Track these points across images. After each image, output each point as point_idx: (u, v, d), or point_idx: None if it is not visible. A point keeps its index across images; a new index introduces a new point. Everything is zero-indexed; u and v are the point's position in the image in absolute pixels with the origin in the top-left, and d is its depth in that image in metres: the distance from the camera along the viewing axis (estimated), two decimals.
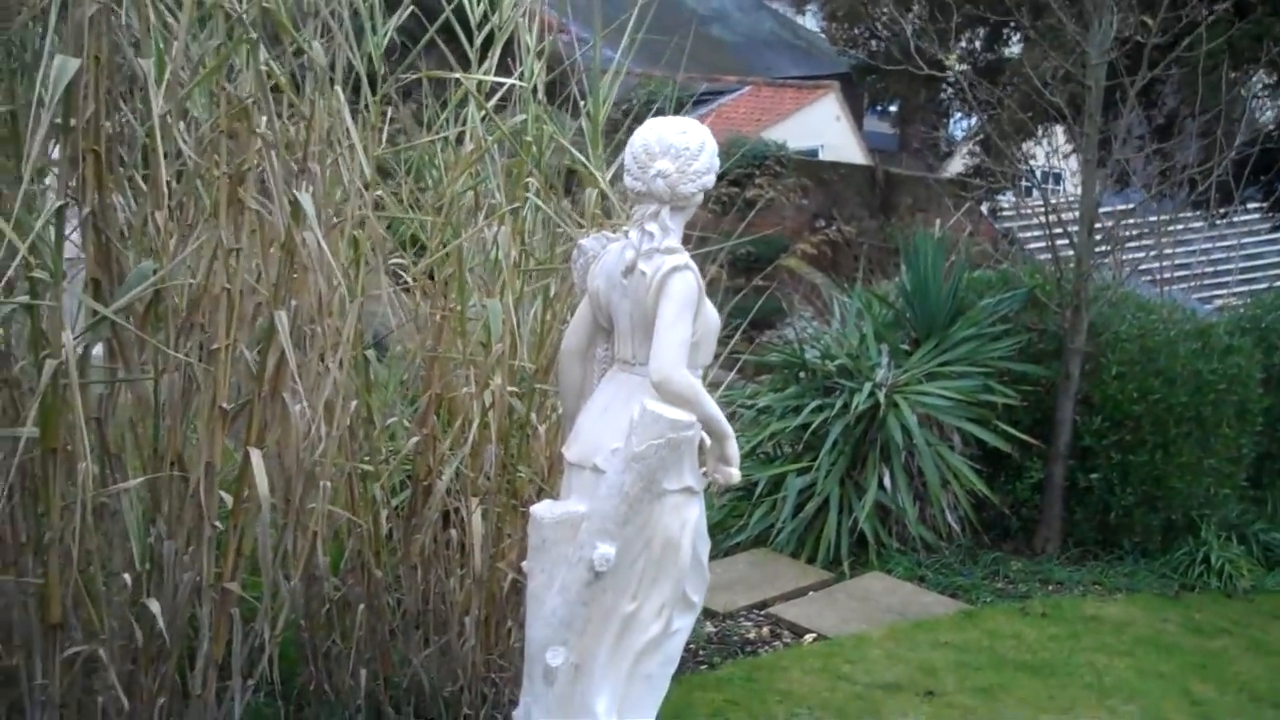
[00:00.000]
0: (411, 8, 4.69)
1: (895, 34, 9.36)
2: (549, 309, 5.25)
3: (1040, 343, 8.16)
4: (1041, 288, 8.21)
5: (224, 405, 4.15)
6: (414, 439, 5.10)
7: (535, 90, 5.04)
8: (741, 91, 24.81)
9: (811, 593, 7.15)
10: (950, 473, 7.82)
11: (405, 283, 5.26)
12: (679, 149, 4.31)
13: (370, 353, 5.10)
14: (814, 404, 7.82)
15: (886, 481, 7.71)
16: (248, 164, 4.08)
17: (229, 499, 4.41)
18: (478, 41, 5.14)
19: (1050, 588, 7.45)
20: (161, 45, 4.04)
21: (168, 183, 4.08)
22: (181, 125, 4.21)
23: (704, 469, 4.49)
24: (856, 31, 13.31)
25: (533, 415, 5.04)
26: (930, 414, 7.81)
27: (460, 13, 5.08)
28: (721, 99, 24.52)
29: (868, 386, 7.71)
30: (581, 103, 5.23)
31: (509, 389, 4.96)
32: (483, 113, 4.83)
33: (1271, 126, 7.83)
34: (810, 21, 35.60)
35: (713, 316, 4.45)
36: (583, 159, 4.95)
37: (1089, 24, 7.74)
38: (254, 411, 4.30)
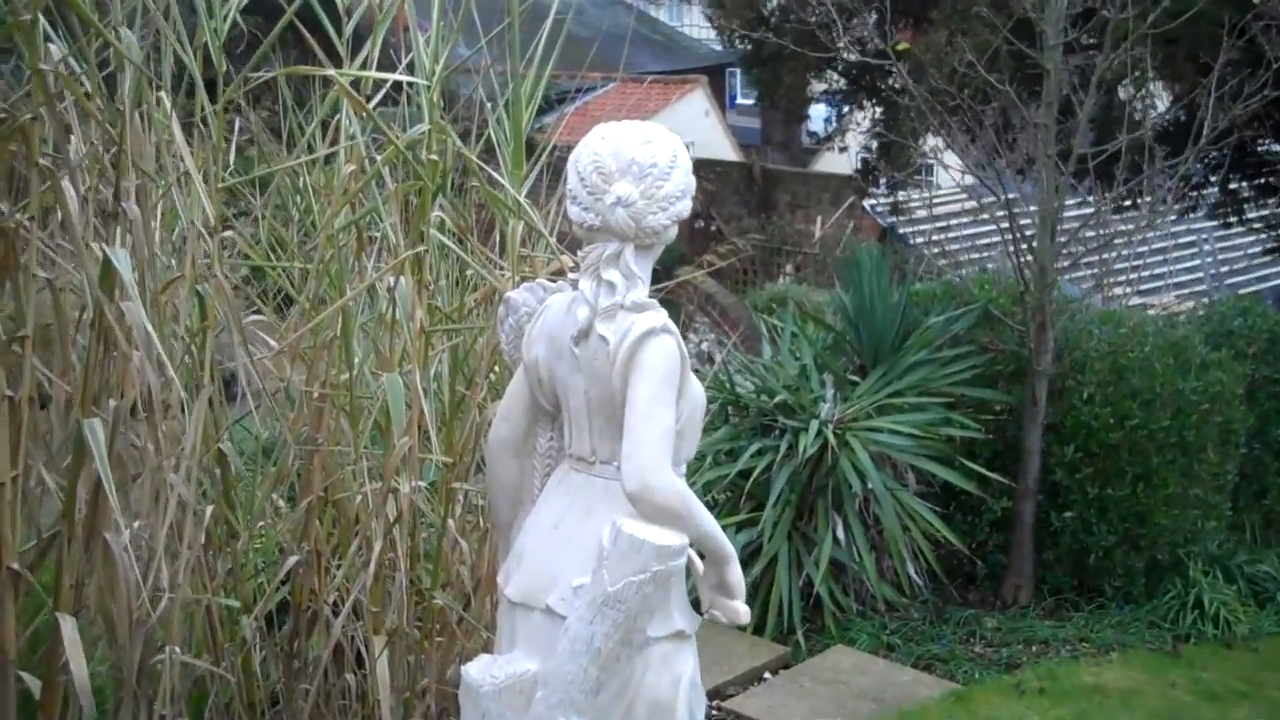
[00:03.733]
0: None
1: (802, 19, 8.24)
2: (459, 372, 3.98)
3: (998, 364, 7.07)
4: (995, 301, 7.12)
5: (14, 566, 2.81)
6: (293, 557, 3.79)
7: (434, 96, 3.75)
8: (606, 88, 23.55)
9: (769, 675, 5.96)
10: (909, 517, 6.70)
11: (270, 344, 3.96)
12: (644, 166, 3.09)
13: (226, 444, 3.78)
14: (754, 447, 6.62)
15: (839, 533, 6.56)
16: (31, 209, 2.74)
17: (34, 682, 3.07)
18: (347, 31, 3.87)
19: (1035, 649, 6.35)
20: None
21: None
22: None
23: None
24: (750, 16, 12.18)
25: (449, 522, 3.76)
26: (884, 452, 6.67)
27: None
28: (585, 96, 23.22)
29: (814, 425, 6.52)
30: (489, 106, 3.99)
31: (417, 483, 3.68)
32: (368, 123, 3.53)
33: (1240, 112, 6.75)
34: (665, 14, 34.62)
35: (698, 394, 3.23)
36: (503, 181, 3.68)
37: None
38: (63, 560, 2.97)
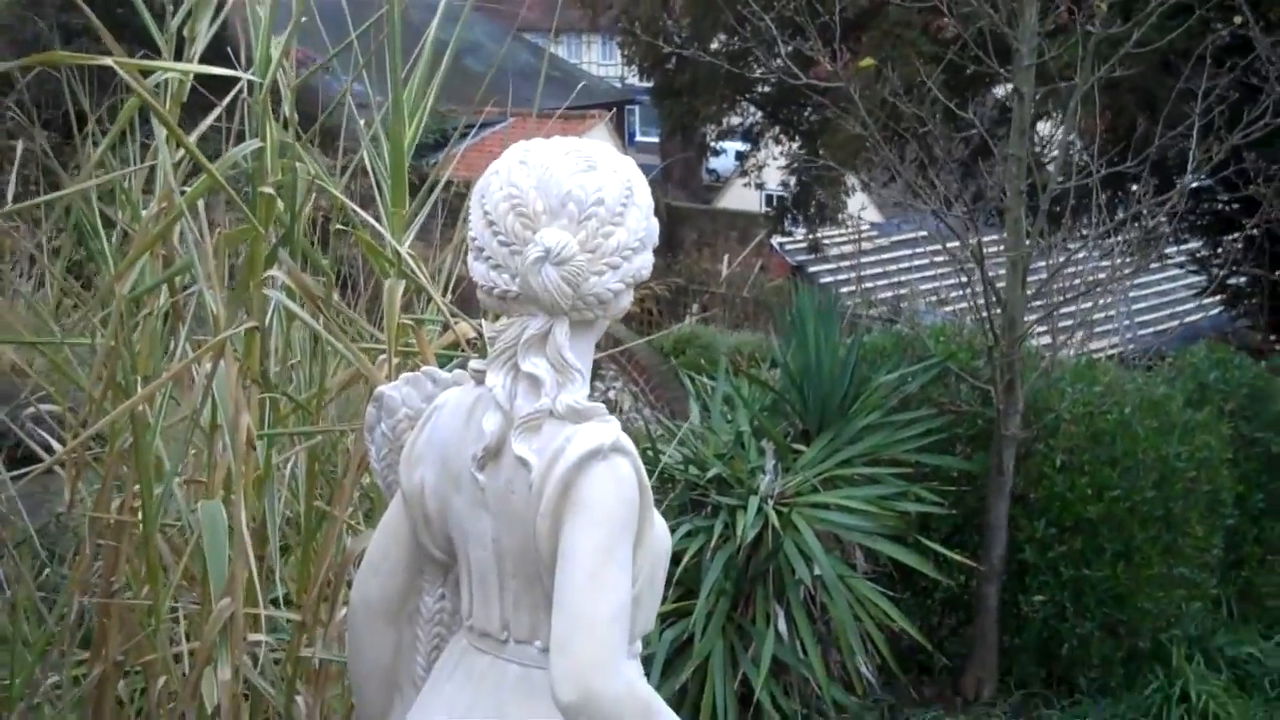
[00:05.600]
0: None
1: (713, 49, 7.18)
2: (316, 480, 2.83)
3: (957, 426, 6.03)
4: (954, 356, 6.09)
5: None
6: None
7: (276, 100, 2.60)
8: (506, 124, 22.46)
9: None
10: (859, 604, 5.61)
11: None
12: (585, 204, 1.98)
13: None
14: (684, 528, 5.49)
15: (781, 626, 5.46)
16: None
17: None
18: (173, 23, 2.72)
19: None
20: None
21: None
22: None
23: None
24: (660, 46, 11.07)
25: (298, 701, 2.59)
26: (833, 531, 5.60)
27: None
28: (484, 132, 22.11)
29: (754, 501, 5.43)
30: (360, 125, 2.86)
31: (261, 638, 2.52)
32: (174, 141, 2.37)
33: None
34: (563, 50, 33.69)
35: (661, 540, 2.12)
36: (372, 221, 2.54)
37: (1015, 14, 5.65)
38: None
